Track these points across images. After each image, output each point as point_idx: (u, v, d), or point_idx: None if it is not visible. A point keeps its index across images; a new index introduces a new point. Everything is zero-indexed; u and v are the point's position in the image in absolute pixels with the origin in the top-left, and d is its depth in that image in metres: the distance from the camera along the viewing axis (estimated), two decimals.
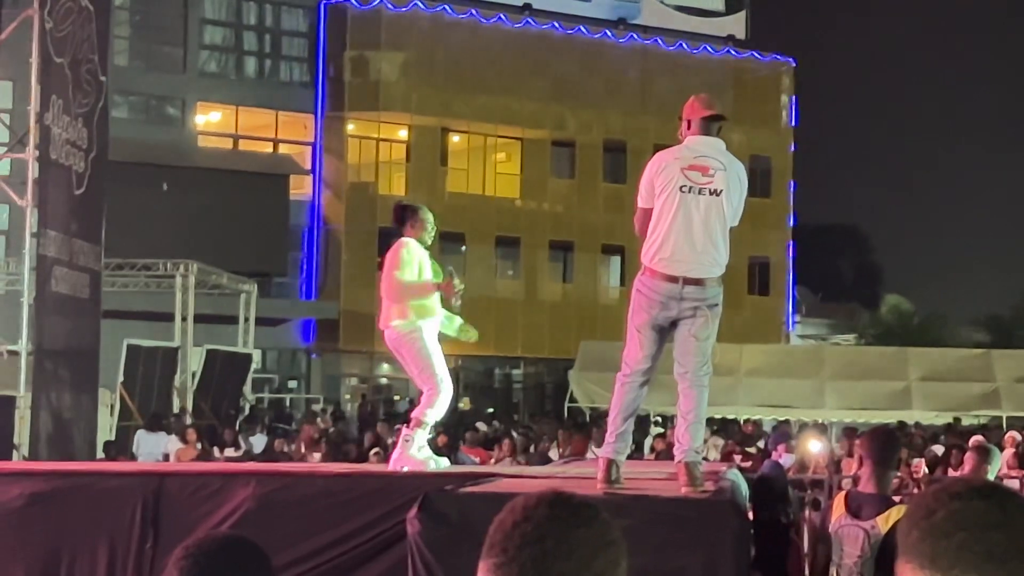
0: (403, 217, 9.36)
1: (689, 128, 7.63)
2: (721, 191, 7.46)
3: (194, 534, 7.46)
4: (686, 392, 7.56)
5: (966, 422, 33.00)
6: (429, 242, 9.30)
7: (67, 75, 17.35)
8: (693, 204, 7.42)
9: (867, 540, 7.06)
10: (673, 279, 7.43)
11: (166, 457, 19.90)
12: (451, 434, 21.92)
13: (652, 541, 6.39)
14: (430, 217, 9.38)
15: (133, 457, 19.51)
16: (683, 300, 7.43)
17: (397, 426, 18.11)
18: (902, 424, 28.82)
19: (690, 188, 7.42)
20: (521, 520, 2.29)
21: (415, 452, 9.10)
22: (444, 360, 9.25)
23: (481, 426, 26.29)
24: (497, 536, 2.29)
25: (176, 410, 26.02)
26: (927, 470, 17.80)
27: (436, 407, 9.06)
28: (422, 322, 9.08)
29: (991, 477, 8.69)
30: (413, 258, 9.08)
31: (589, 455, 17.79)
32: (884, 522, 7.05)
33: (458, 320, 9.61)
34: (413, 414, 9.23)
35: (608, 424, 7.80)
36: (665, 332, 7.59)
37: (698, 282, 7.45)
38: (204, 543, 3.05)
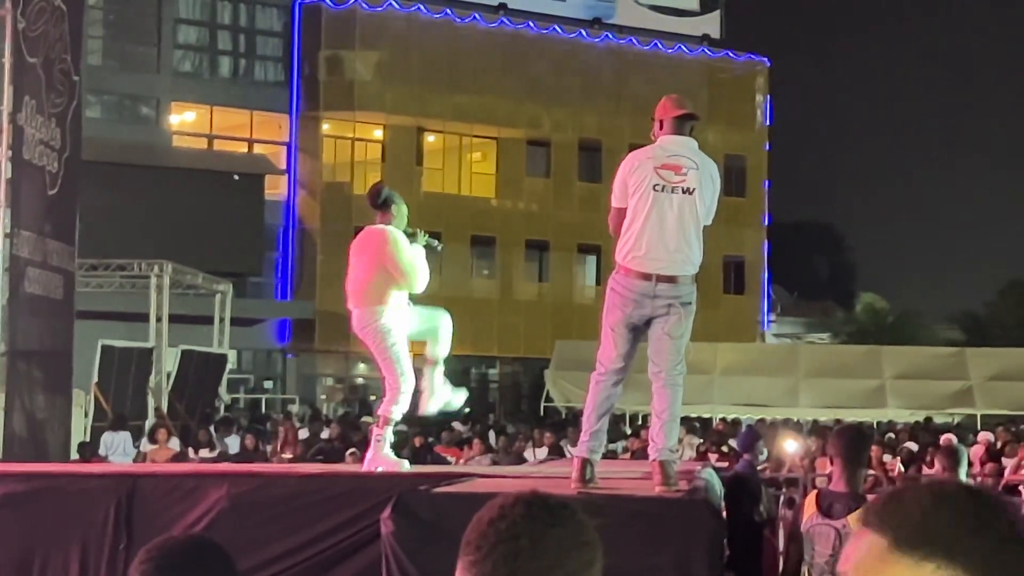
0: (385, 202, 9.21)
1: (662, 128, 7.66)
2: (694, 189, 7.49)
3: (168, 534, 7.46)
4: (660, 391, 7.57)
5: (940, 420, 33.14)
6: (401, 226, 9.16)
7: (40, 75, 17.28)
8: (667, 203, 7.45)
9: (838, 539, 7.06)
10: (647, 277, 7.45)
11: (141, 457, 19.86)
12: (426, 434, 21.94)
13: (626, 540, 6.40)
14: (405, 210, 9.29)
15: (101, 458, 19.44)
16: (656, 298, 7.46)
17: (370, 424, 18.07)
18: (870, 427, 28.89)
19: (663, 187, 7.46)
20: (497, 518, 2.30)
21: (388, 451, 9.10)
22: (409, 354, 9.22)
23: (457, 426, 26.27)
24: (473, 534, 2.31)
25: (151, 411, 25.95)
26: (902, 468, 17.88)
27: (401, 402, 9.05)
28: (395, 312, 9.05)
29: (962, 477, 8.72)
30: (403, 245, 9.00)
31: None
32: (855, 521, 7.07)
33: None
34: (379, 411, 9.20)
35: (583, 423, 7.81)
36: (639, 331, 7.61)
37: (671, 279, 7.47)
38: (166, 545, 3.04)
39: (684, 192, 7.47)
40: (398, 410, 9.07)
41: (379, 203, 9.24)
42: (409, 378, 9.07)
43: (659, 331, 7.52)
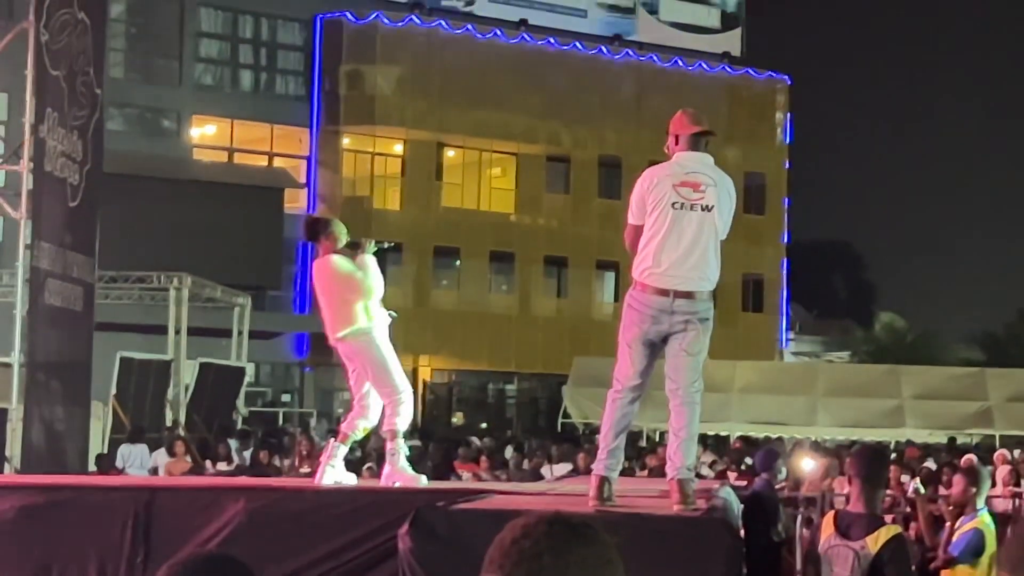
0: (315, 232, 9.41)
1: (677, 143, 7.65)
2: (712, 207, 7.49)
3: (185, 548, 7.47)
4: (678, 409, 7.53)
5: (959, 441, 32.99)
6: (343, 244, 9.25)
7: (63, 87, 17.35)
8: (685, 220, 7.45)
9: (857, 560, 7.03)
10: (664, 292, 7.44)
11: (157, 470, 19.87)
12: (444, 449, 21.93)
13: (644, 559, 6.37)
14: (342, 228, 9.42)
15: (118, 471, 19.46)
16: (674, 314, 7.44)
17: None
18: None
19: (682, 204, 7.45)
20: (520, 537, 2.31)
21: (405, 465, 9.11)
22: (400, 365, 9.22)
23: (475, 441, 26.25)
24: (496, 553, 2.31)
25: (169, 423, 25.98)
26: (920, 488, 17.77)
27: (403, 413, 9.07)
28: (370, 325, 9.08)
29: (981, 499, 8.67)
30: (346, 266, 9.10)
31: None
32: (873, 542, 7.03)
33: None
34: (384, 427, 9.18)
35: (600, 440, 7.79)
36: (656, 348, 7.58)
37: (689, 295, 7.46)
38: (189, 562, 3.03)
39: (703, 209, 7.47)
40: (402, 421, 9.09)
41: (312, 236, 9.42)
42: (403, 386, 9.08)
43: (676, 348, 7.50)
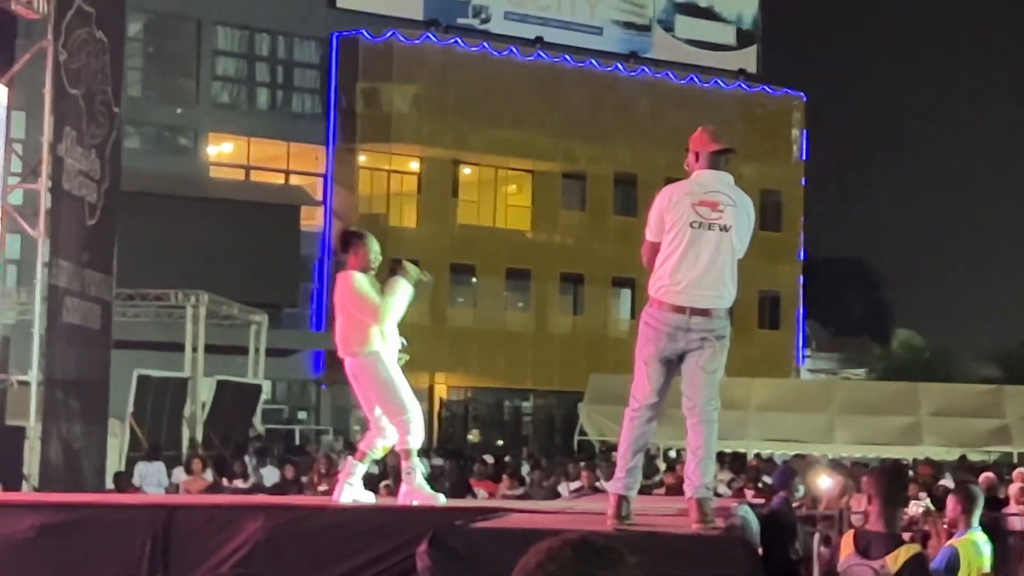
0: (346, 244, 9.34)
1: (697, 160, 7.63)
2: (731, 227, 7.49)
3: (204, 567, 7.47)
4: (695, 428, 7.51)
5: (976, 458, 32.88)
6: (374, 271, 9.23)
7: (81, 106, 17.43)
8: (703, 239, 7.44)
9: None
10: (680, 310, 7.42)
11: (174, 488, 19.89)
12: (459, 466, 21.93)
13: None
14: (376, 247, 9.31)
15: (136, 488, 19.50)
16: (690, 331, 7.42)
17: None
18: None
19: (700, 224, 7.44)
20: (545, 561, 2.30)
21: (422, 483, 9.10)
22: (407, 384, 9.21)
23: (489, 459, 26.22)
24: None
25: (186, 441, 26.01)
26: (930, 506, 17.69)
27: (414, 432, 9.05)
28: (381, 347, 9.07)
29: (974, 518, 8.61)
30: (366, 288, 9.08)
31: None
32: (893, 561, 7.02)
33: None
34: (399, 447, 9.16)
35: (617, 459, 7.77)
36: (673, 365, 7.56)
37: (705, 312, 7.43)
38: None
39: (721, 229, 7.45)
40: (415, 439, 9.06)
41: (343, 248, 9.37)
42: (411, 405, 9.06)
43: (693, 365, 7.47)
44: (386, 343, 9.08)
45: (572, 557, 2.31)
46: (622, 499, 7.49)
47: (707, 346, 7.44)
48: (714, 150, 7.61)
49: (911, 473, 21.01)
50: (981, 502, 8.78)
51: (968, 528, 8.59)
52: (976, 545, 8.52)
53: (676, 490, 8.60)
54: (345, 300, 9.15)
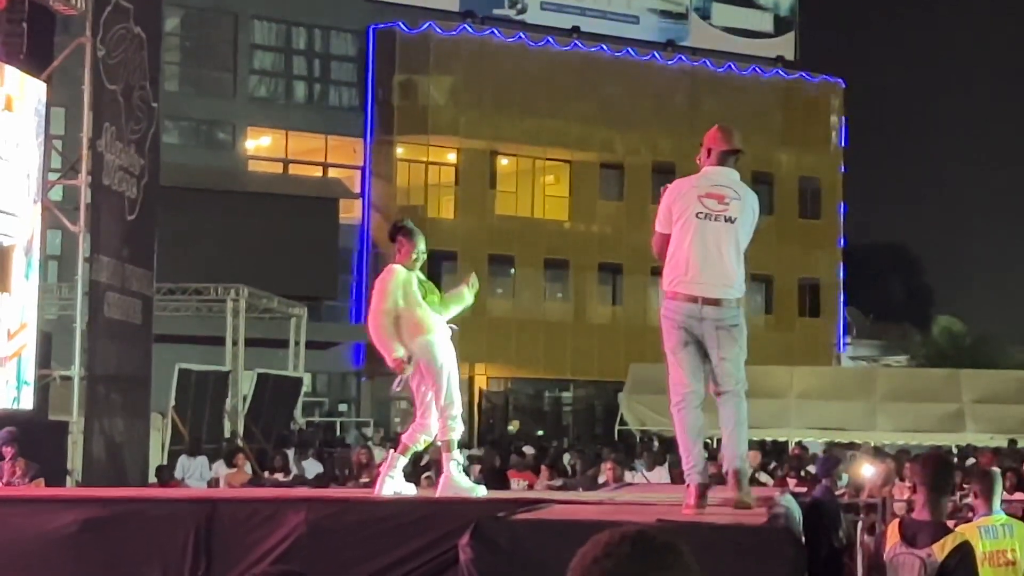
0: (394, 234, 9.38)
1: (708, 155, 8.03)
2: (735, 219, 7.86)
3: (246, 560, 7.48)
4: (724, 405, 7.91)
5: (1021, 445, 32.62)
6: (417, 267, 9.28)
7: (119, 102, 17.48)
8: (709, 230, 7.80)
9: (923, 569, 6.97)
10: (693, 299, 7.79)
11: (216, 481, 19.95)
12: (500, 457, 21.91)
13: (707, 568, 6.32)
14: (422, 244, 9.32)
15: (179, 482, 19.57)
16: (703, 320, 7.77)
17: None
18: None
19: (706, 215, 7.82)
20: (602, 556, 2.28)
21: (461, 475, 9.13)
22: (458, 376, 9.23)
23: (529, 449, 26.19)
24: (577, 570, 2.29)
25: (227, 434, 26.08)
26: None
27: (455, 423, 9.06)
28: (432, 336, 9.09)
29: (994, 502, 8.48)
30: (397, 287, 9.09)
31: (628, 478, 17.79)
32: (940, 550, 6.97)
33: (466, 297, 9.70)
34: (440, 439, 9.18)
35: (681, 454, 8.04)
36: (700, 347, 7.87)
37: (716, 303, 7.78)
38: None
39: (726, 220, 7.83)
40: (455, 432, 9.09)
41: (391, 237, 9.44)
42: (456, 400, 9.07)
43: (715, 358, 7.84)
44: (433, 332, 9.12)
45: (630, 554, 2.29)
46: (703, 487, 7.76)
47: (722, 336, 7.81)
48: (725, 149, 8.03)
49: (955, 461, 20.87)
50: (999, 485, 8.72)
51: (989, 512, 8.49)
52: (976, 531, 8.40)
53: (719, 479, 8.59)
54: (377, 296, 9.22)
